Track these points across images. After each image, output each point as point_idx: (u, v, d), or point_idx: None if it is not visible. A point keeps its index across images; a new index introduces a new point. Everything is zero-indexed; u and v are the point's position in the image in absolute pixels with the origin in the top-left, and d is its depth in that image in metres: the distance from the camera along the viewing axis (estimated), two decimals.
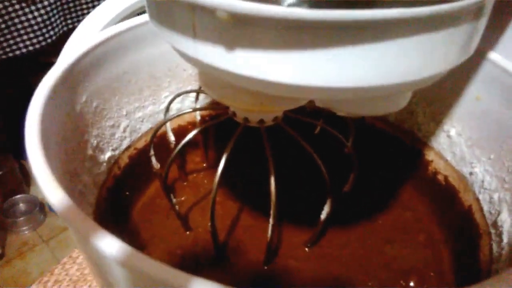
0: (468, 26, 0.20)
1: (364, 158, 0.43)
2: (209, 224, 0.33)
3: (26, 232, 1.22)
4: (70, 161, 0.30)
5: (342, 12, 0.16)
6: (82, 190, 0.32)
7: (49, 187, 0.21)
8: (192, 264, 0.36)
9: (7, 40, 0.89)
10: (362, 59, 0.18)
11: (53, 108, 0.27)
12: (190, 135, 0.33)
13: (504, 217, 0.31)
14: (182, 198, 0.42)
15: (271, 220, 0.32)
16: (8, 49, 0.90)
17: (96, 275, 0.25)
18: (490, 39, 0.34)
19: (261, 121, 0.33)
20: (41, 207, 1.24)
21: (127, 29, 0.34)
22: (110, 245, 0.18)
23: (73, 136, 0.31)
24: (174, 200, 0.36)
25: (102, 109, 0.35)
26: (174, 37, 0.21)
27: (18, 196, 1.25)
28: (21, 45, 0.92)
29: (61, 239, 1.21)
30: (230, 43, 0.19)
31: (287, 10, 0.16)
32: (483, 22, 0.22)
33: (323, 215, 0.34)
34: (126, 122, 0.38)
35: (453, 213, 0.37)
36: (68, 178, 0.29)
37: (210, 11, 0.18)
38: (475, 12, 0.20)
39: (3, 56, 0.90)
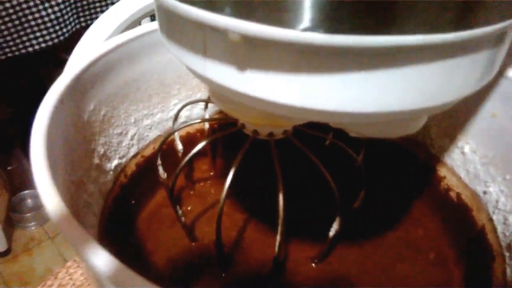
0: (491, 51, 0.19)
1: (375, 172, 0.42)
2: (215, 237, 0.32)
3: (33, 228, 1.22)
4: (76, 170, 0.30)
5: (358, 38, 0.15)
6: (88, 200, 0.31)
7: (47, 195, 0.21)
8: (196, 276, 0.36)
9: (20, 36, 0.89)
10: (378, 85, 0.17)
11: (60, 118, 0.27)
12: (198, 147, 0.33)
13: None
14: (189, 208, 0.42)
15: (278, 237, 0.31)
16: (21, 46, 0.90)
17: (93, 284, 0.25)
18: (508, 56, 0.33)
19: (271, 134, 0.32)
20: None
21: (136, 37, 0.33)
22: (102, 261, 0.18)
23: (80, 145, 0.31)
24: (180, 212, 0.35)
25: (110, 117, 0.34)
26: (183, 53, 0.21)
27: (26, 191, 1.26)
28: (34, 41, 0.92)
29: None
30: (241, 64, 0.18)
31: (301, 35, 0.16)
32: (505, 47, 0.21)
33: (331, 232, 0.34)
34: (134, 129, 0.38)
35: (466, 232, 0.36)
36: (73, 188, 0.29)
37: (221, 32, 0.17)
38: (498, 37, 0.19)
39: (16, 52, 0.90)
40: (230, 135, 0.39)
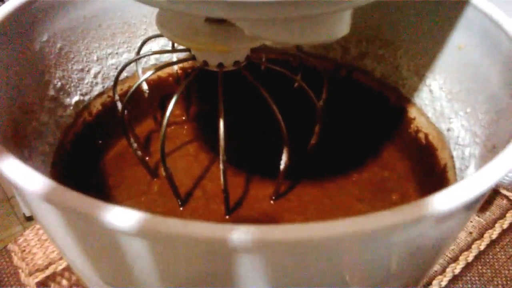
0: None
1: (347, 116, 0.41)
2: (162, 168, 0.32)
3: None
4: (24, 96, 0.30)
5: None
6: (39, 128, 0.32)
7: None
8: (155, 211, 0.36)
9: None
10: None
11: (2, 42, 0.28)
12: (148, 74, 0.33)
13: (470, 172, 0.29)
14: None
15: (221, 166, 0.31)
16: None
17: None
18: None
19: (221, 65, 0.32)
20: None
21: None
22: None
23: (30, 73, 0.31)
24: (135, 145, 0.36)
25: (68, 51, 0.35)
26: None
27: None
28: None
29: None
30: None
31: None
32: None
33: (281, 166, 0.33)
34: (98, 67, 0.38)
35: (430, 172, 0.35)
36: (19, 113, 0.30)
37: None
38: None
39: None
40: (203, 81, 0.39)
